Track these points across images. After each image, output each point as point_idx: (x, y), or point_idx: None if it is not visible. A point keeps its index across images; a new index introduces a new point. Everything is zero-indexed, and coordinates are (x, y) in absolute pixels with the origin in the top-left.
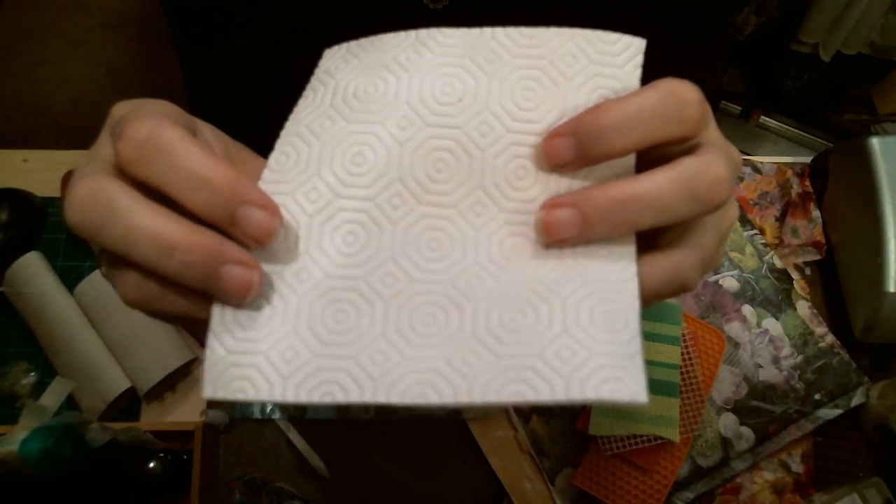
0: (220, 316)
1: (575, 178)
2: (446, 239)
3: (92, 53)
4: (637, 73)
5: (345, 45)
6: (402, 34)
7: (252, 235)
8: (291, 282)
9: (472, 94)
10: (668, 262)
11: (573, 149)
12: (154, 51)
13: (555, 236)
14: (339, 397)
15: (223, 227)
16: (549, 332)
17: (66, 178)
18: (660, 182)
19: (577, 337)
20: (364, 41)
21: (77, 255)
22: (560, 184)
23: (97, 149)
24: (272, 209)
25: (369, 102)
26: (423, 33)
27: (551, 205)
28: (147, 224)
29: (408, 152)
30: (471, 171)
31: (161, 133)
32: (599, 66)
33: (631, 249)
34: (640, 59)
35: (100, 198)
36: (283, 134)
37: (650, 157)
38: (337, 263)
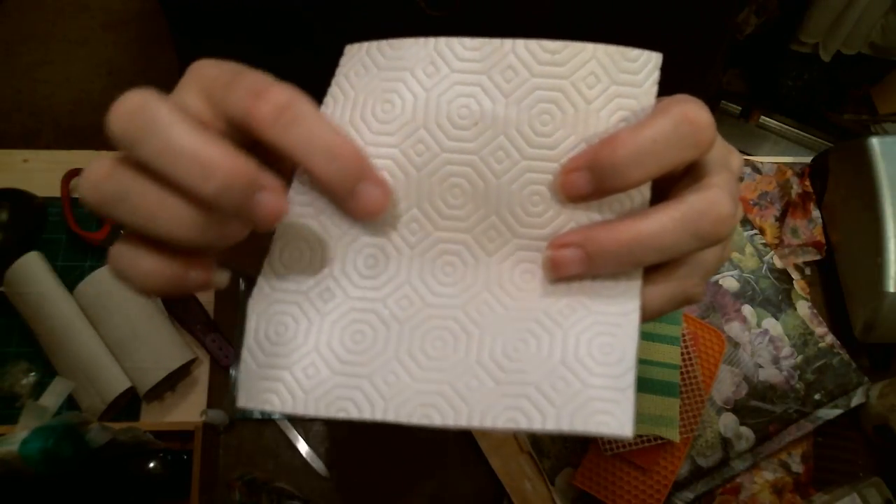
0: (253, 334)
1: (589, 205)
2: (460, 264)
3: (92, 53)
4: (654, 91)
5: (364, 46)
6: (420, 41)
7: (367, 208)
8: (316, 302)
9: (490, 118)
10: (672, 283)
11: (590, 183)
12: (154, 51)
13: (560, 273)
14: (353, 414)
15: (340, 195)
16: (549, 363)
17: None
18: (664, 223)
19: (574, 368)
20: (383, 44)
21: (77, 255)
22: (574, 210)
23: (172, 96)
24: (387, 189)
25: (386, 123)
26: (442, 43)
27: (558, 244)
28: (189, 143)
29: (425, 178)
30: (486, 197)
31: (299, 102)
32: (620, 87)
33: (636, 283)
34: (657, 74)
35: (143, 111)
36: None
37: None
38: (358, 286)
